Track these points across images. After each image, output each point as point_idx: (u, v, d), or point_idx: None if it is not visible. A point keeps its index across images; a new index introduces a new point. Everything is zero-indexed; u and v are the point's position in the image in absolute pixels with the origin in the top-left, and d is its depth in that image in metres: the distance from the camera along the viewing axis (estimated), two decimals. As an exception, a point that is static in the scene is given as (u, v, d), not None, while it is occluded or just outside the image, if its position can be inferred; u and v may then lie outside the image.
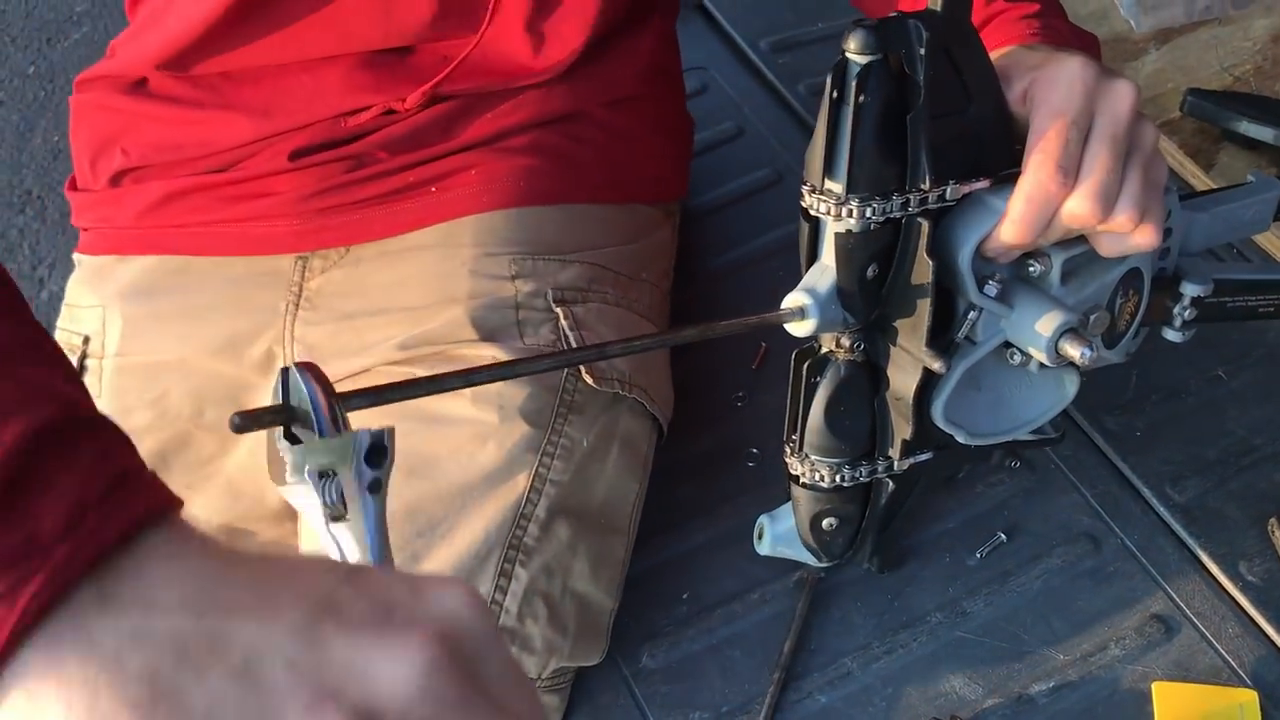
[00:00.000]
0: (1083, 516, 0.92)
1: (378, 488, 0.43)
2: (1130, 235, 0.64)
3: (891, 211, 0.64)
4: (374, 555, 0.43)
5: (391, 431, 0.44)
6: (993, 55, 0.65)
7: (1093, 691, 0.82)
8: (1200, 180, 1.16)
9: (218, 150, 0.85)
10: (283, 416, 0.45)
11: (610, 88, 0.90)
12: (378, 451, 0.43)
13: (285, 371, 0.45)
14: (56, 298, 1.98)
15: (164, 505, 0.35)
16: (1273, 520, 0.89)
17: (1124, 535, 0.90)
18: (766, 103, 1.24)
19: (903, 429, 0.73)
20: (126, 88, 0.89)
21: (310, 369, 0.45)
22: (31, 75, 1.59)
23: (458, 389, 0.55)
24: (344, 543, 0.43)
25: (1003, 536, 0.90)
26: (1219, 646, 0.84)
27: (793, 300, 0.66)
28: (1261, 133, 1.14)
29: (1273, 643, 0.84)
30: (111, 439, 0.36)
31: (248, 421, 0.43)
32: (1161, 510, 0.92)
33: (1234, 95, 1.20)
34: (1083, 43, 0.74)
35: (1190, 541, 0.90)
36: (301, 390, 0.44)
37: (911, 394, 0.70)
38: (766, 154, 1.19)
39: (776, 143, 1.20)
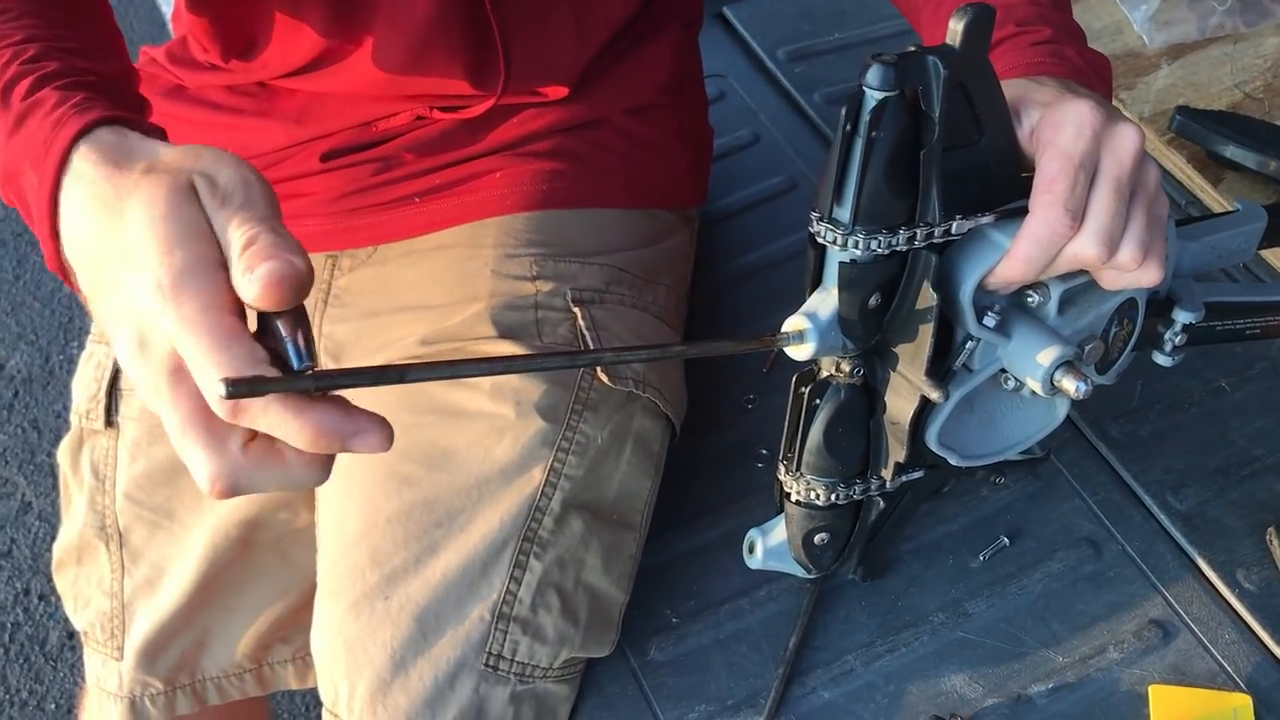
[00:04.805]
0: (1084, 522, 0.93)
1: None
2: (1134, 273, 0.65)
3: (897, 245, 0.64)
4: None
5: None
6: (1002, 84, 0.65)
7: (1091, 693, 0.84)
8: (1209, 194, 1.18)
9: (253, 155, 0.88)
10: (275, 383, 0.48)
11: (632, 96, 0.92)
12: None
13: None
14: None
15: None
16: (1271, 530, 0.91)
17: (1125, 541, 0.92)
18: (782, 111, 1.26)
19: (897, 451, 0.73)
20: (164, 92, 0.91)
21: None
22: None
23: (466, 377, 0.58)
24: None
25: (1005, 540, 0.92)
26: (1215, 652, 0.86)
27: (793, 324, 0.66)
28: (1245, 157, 1.13)
29: (1268, 649, 0.86)
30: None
31: (240, 388, 0.46)
32: (1162, 518, 0.94)
33: (1222, 116, 1.19)
34: (1095, 67, 0.74)
35: (1189, 549, 0.92)
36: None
37: (908, 420, 0.70)
38: (782, 161, 1.20)
39: (791, 150, 1.22)
